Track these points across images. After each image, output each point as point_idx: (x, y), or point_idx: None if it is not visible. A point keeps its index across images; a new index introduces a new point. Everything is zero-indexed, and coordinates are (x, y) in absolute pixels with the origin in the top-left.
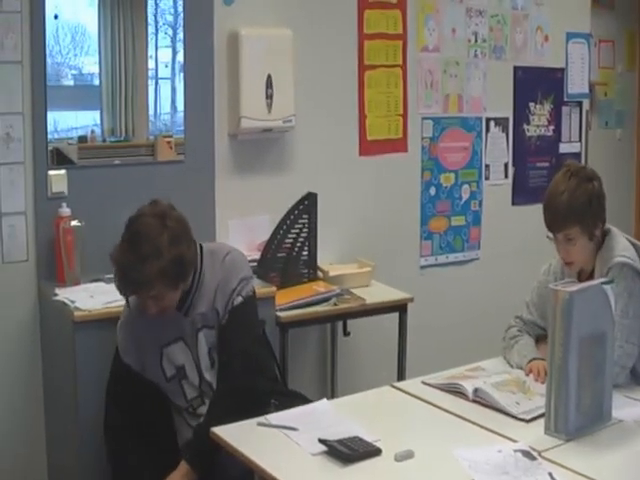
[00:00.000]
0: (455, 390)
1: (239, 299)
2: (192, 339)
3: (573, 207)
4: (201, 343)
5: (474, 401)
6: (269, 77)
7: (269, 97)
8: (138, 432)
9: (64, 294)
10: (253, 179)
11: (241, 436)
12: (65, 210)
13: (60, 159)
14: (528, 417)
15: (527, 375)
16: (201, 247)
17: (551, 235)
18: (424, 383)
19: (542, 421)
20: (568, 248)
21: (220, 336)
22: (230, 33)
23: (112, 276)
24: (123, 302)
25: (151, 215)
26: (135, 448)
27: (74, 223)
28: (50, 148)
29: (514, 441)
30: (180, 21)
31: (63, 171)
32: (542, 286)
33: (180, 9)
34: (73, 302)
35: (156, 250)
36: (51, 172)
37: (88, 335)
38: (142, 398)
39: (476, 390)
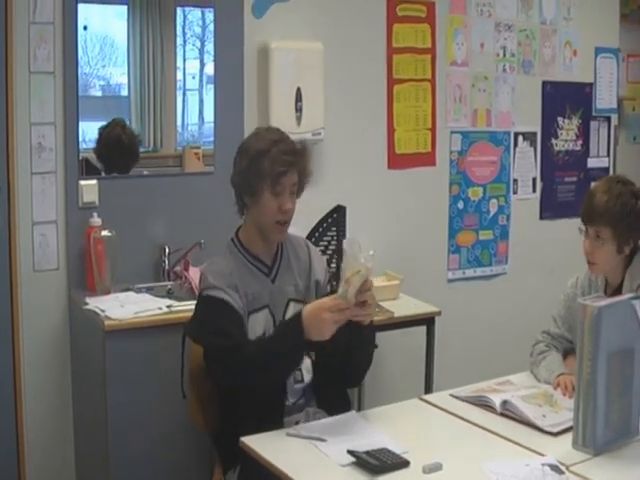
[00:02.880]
0: (483, 403)
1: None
2: (279, 308)
3: (611, 209)
4: (289, 314)
5: (502, 414)
6: (299, 90)
7: (298, 110)
8: None
9: (94, 303)
10: None
11: (270, 446)
12: (96, 220)
13: (89, 169)
14: (555, 430)
15: (555, 389)
16: None
17: (583, 228)
18: (452, 396)
19: (570, 435)
20: (595, 246)
21: None
22: (260, 46)
23: (142, 286)
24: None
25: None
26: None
27: (105, 233)
28: (80, 158)
29: (542, 455)
30: (208, 33)
31: (94, 181)
32: (569, 299)
33: (208, 21)
34: (103, 311)
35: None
36: (82, 182)
37: (118, 344)
38: None
39: (504, 403)
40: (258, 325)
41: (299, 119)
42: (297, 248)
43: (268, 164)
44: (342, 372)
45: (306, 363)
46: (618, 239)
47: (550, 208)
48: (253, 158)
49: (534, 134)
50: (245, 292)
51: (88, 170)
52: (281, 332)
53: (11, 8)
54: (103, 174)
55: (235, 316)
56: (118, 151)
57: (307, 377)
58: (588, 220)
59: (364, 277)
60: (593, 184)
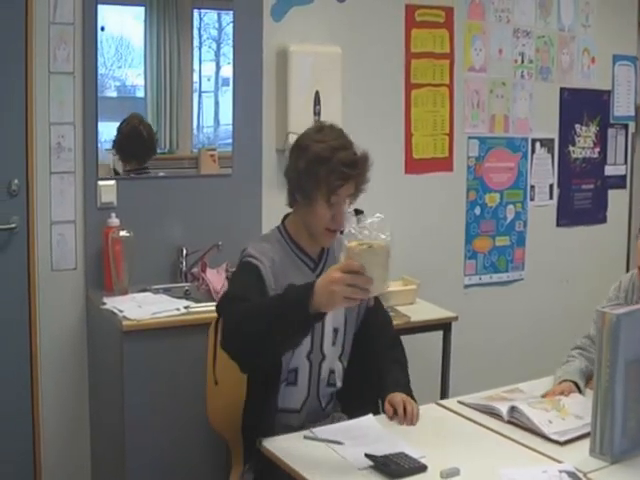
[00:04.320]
0: (490, 411)
1: None
2: None
3: None
4: (329, 316)
5: (509, 422)
6: (317, 93)
7: (317, 113)
8: None
9: (112, 303)
10: None
11: (288, 449)
12: (114, 220)
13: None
14: (562, 439)
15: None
16: None
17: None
18: (460, 403)
19: (584, 442)
20: None
21: (369, 319)
22: (279, 49)
23: (159, 287)
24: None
25: None
26: None
27: (123, 233)
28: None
29: (559, 462)
30: (224, 35)
31: (113, 182)
32: (612, 303)
33: (224, 24)
34: (121, 311)
35: None
36: (101, 182)
37: (136, 345)
38: None
39: (512, 409)
40: None
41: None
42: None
43: (325, 174)
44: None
45: (338, 369)
46: None
47: (567, 215)
48: (311, 162)
49: (551, 141)
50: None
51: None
52: (288, 292)
53: (31, 9)
54: (121, 166)
55: (262, 286)
56: (136, 142)
57: (339, 383)
58: None
59: (375, 250)
60: None
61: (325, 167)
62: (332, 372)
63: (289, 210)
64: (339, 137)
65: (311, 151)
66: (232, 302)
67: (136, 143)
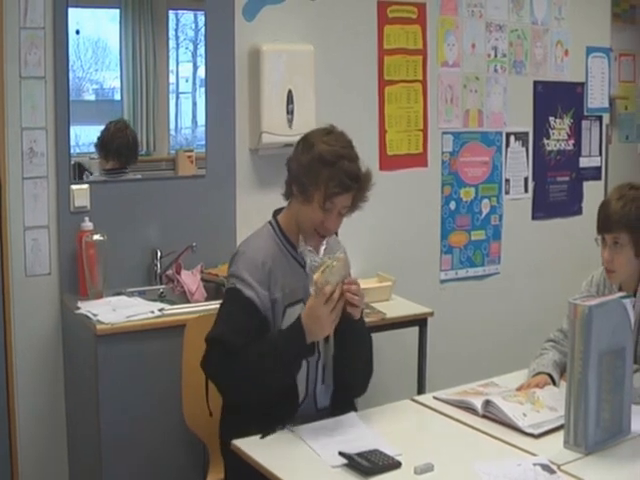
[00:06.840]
0: (465, 406)
1: None
2: None
3: (626, 214)
4: None
5: (484, 416)
6: (290, 92)
7: (290, 112)
8: None
9: (86, 307)
10: (274, 194)
11: (261, 447)
12: (87, 224)
13: (82, 173)
14: (537, 432)
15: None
16: None
17: (599, 238)
18: (435, 398)
19: (558, 435)
20: (614, 253)
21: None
22: (251, 49)
23: (134, 290)
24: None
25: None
26: None
27: (96, 237)
28: (72, 162)
29: (533, 454)
30: (201, 36)
31: (86, 185)
32: (583, 295)
33: (201, 24)
34: (95, 315)
35: None
36: (74, 186)
37: (110, 348)
38: None
39: (487, 403)
40: (293, 320)
41: (290, 121)
42: (333, 246)
43: (326, 177)
44: (348, 383)
45: (329, 367)
46: (636, 243)
47: (542, 208)
48: (314, 161)
49: (526, 134)
50: (282, 284)
51: (81, 174)
52: (285, 338)
53: (1, 13)
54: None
55: (256, 320)
56: (121, 142)
57: (332, 385)
58: (606, 228)
59: (336, 266)
60: (607, 195)
61: (327, 170)
62: (325, 369)
63: (271, 208)
64: (347, 147)
65: (316, 150)
66: (226, 349)
67: (122, 143)
